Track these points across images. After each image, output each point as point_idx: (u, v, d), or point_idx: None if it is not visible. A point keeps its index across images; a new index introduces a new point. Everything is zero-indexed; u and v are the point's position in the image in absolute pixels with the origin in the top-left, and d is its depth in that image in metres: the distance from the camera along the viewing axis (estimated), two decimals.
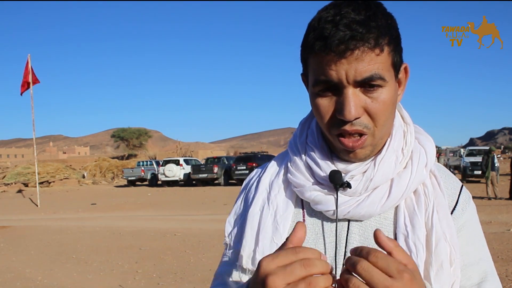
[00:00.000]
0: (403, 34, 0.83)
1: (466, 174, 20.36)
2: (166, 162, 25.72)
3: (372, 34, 0.74)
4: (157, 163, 27.93)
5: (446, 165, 23.65)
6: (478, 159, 18.88)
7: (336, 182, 0.82)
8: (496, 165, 13.91)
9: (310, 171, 0.87)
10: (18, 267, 6.66)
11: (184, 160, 26.17)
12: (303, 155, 0.89)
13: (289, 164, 0.91)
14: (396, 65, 0.81)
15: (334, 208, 0.83)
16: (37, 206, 16.03)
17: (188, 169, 25.22)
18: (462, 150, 29.21)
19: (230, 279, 0.91)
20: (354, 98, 0.75)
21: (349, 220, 0.85)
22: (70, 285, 5.67)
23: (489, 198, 13.27)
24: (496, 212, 10.59)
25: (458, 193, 0.89)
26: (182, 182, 25.28)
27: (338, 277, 0.81)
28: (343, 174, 0.83)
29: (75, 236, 9.29)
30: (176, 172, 25.01)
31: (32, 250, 7.95)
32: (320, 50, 0.75)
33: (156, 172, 26.82)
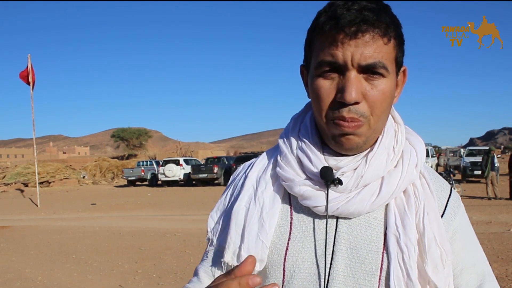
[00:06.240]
0: (404, 33, 0.83)
1: (466, 174, 20.32)
2: (166, 162, 25.67)
3: (382, 22, 0.75)
4: (157, 163, 27.86)
5: (446, 165, 23.63)
6: (478, 159, 18.89)
7: (327, 179, 0.81)
8: (496, 165, 13.90)
9: (301, 165, 0.86)
10: (18, 267, 6.66)
11: (184, 160, 26.12)
12: (294, 149, 0.87)
13: (279, 158, 0.89)
14: (398, 62, 0.81)
15: (323, 204, 0.81)
16: (37, 206, 16.02)
17: (188, 169, 25.18)
18: (462, 150, 29.19)
19: (211, 276, 0.91)
20: (356, 82, 0.76)
21: (337, 218, 0.84)
22: (70, 285, 5.67)
23: (489, 198, 13.24)
24: (496, 212, 10.59)
25: (448, 196, 0.89)
26: (182, 182, 25.24)
27: (326, 278, 0.81)
28: (334, 171, 0.82)
29: (75, 236, 9.28)
30: (176, 172, 24.98)
31: (32, 250, 7.94)
32: (330, 29, 0.75)
33: (156, 172, 26.75)
